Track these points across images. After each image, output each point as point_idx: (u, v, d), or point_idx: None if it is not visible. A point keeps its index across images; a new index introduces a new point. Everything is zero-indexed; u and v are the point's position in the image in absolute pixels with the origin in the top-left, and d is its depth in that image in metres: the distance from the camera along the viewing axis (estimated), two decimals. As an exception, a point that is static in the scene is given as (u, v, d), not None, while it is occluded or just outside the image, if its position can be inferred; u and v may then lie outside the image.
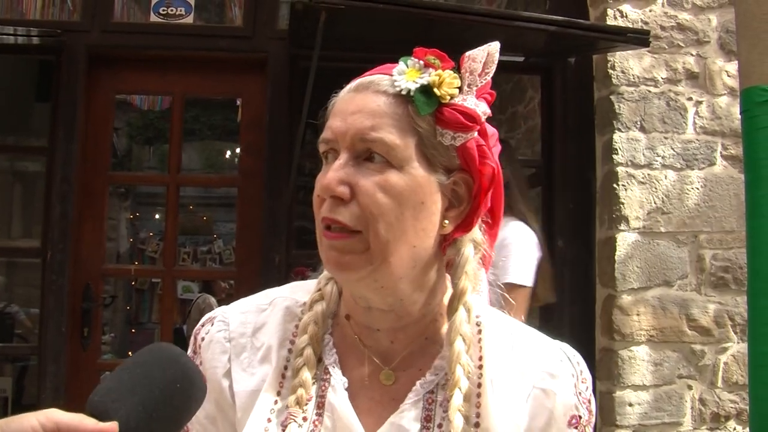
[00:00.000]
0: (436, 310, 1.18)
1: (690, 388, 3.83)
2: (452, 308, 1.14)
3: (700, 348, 3.86)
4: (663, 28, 3.98)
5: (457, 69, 1.12)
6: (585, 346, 3.95)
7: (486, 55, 1.12)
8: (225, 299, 9.32)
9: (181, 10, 4.19)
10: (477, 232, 1.18)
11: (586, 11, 4.13)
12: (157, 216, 13.58)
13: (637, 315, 3.81)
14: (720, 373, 3.86)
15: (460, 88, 1.11)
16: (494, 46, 1.13)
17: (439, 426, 1.10)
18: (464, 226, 1.15)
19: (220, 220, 14.24)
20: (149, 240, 13.03)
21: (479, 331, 1.17)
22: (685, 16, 4.01)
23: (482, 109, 1.11)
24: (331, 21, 3.39)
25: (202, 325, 1.23)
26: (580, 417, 1.16)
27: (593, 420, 1.19)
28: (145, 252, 12.85)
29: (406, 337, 1.17)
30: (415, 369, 1.15)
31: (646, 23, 3.96)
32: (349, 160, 1.08)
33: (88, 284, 4.04)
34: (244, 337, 1.18)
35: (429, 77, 1.09)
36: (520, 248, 3.26)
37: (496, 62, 1.13)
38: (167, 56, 4.19)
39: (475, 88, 1.12)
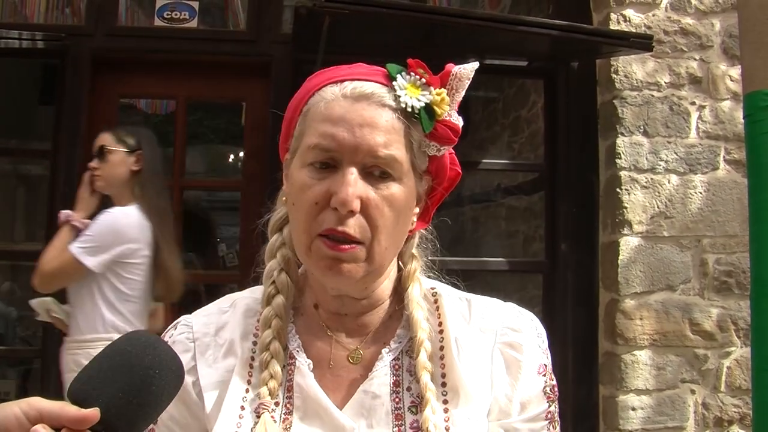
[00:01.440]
0: (394, 288, 1.26)
1: (693, 392, 3.83)
2: (406, 284, 1.22)
3: (703, 352, 3.85)
4: (666, 32, 3.99)
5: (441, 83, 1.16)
6: (588, 350, 3.95)
7: (469, 76, 1.16)
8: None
9: (185, 15, 4.20)
10: None
11: (589, 16, 4.13)
12: (160, 219, 13.57)
13: (640, 319, 3.81)
14: (723, 378, 3.86)
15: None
16: (473, 66, 1.16)
17: (408, 389, 1.16)
18: (424, 219, 1.25)
19: (224, 223, 14.24)
20: (152, 243, 13.02)
21: (436, 300, 1.25)
22: (688, 21, 4.01)
23: (461, 123, 1.16)
24: (335, 25, 3.40)
25: (167, 331, 1.27)
26: (546, 365, 1.23)
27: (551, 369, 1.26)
28: (149, 255, 12.83)
29: (371, 319, 1.23)
30: (379, 344, 1.21)
31: (649, 28, 3.96)
32: (359, 173, 1.10)
33: (91, 287, 4.04)
34: (207, 336, 1.22)
35: (431, 96, 1.12)
36: (98, 226, 3.33)
37: (471, 78, 1.16)
38: (171, 60, 4.20)
39: (456, 104, 1.16)
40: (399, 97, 1.11)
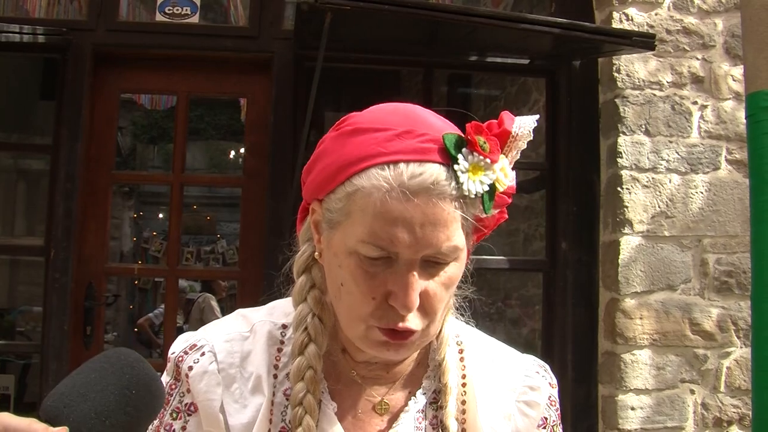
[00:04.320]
0: None
1: (692, 392, 3.83)
2: (442, 343, 1.18)
3: (703, 352, 3.85)
4: (669, 31, 3.98)
5: (502, 141, 1.06)
6: (587, 349, 3.94)
7: (529, 132, 1.07)
8: (225, 299, 9.33)
9: (186, 10, 4.19)
10: None
11: (591, 14, 4.13)
12: (160, 215, 13.64)
13: (640, 319, 3.80)
14: (723, 378, 3.85)
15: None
16: (532, 122, 1.06)
17: None
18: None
19: (224, 220, 14.27)
20: (152, 239, 13.07)
21: (461, 351, 1.21)
22: (690, 20, 4.01)
23: (515, 179, 1.09)
24: (337, 22, 3.39)
25: (185, 353, 1.17)
26: (547, 418, 1.23)
27: (559, 421, 1.26)
28: (149, 251, 12.88)
29: (402, 368, 1.19)
30: (405, 392, 1.18)
31: (651, 27, 3.96)
32: (420, 270, 1.03)
33: (90, 283, 4.04)
34: (233, 367, 1.15)
35: (494, 175, 1.03)
36: None
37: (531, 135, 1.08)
38: (172, 56, 4.20)
39: (513, 162, 1.08)
40: (462, 184, 1.01)
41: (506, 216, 1.14)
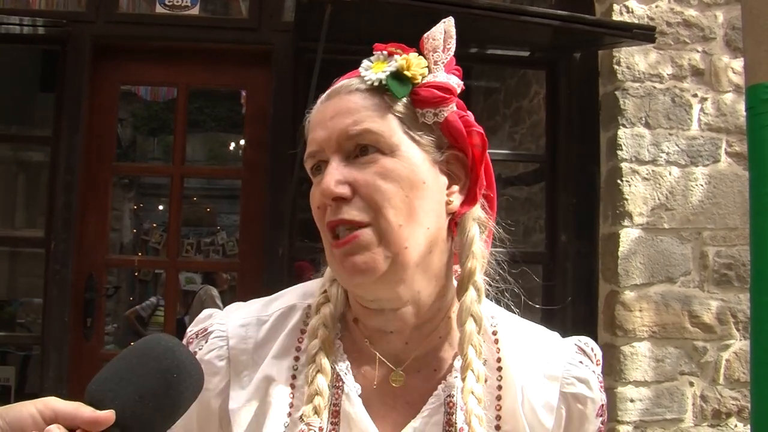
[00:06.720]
0: (448, 307, 1.16)
1: (691, 384, 3.83)
2: (462, 289, 1.12)
3: (702, 345, 3.86)
4: (669, 24, 3.98)
5: (420, 53, 1.14)
6: (587, 341, 3.95)
7: (444, 32, 1.14)
8: (227, 291, 9.34)
9: (186, 2, 4.18)
10: (479, 210, 1.17)
11: (591, 6, 4.12)
12: (160, 207, 13.64)
13: (640, 311, 3.81)
14: (722, 370, 3.86)
15: (428, 68, 1.12)
16: (449, 22, 1.15)
17: (461, 430, 1.07)
18: (469, 200, 1.14)
19: (224, 211, 14.28)
20: (153, 231, 13.08)
21: (495, 332, 1.17)
22: (691, 13, 4.00)
23: (455, 81, 1.13)
24: (337, 14, 3.39)
25: (195, 336, 1.18)
26: (603, 404, 1.18)
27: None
28: (149, 243, 12.89)
29: (421, 336, 1.14)
30: (429, 369, 1.14)
31: (651, 19, 3.95)
32: (341, 161, 1.08)
33: (91, 274, 4.05)
34: (245, 354, 1.14)
35: (396, 63, 1.10)
36: None
37: (455, 36, 1.15)
38: (172, 47, 4.20)
39: (442, 64, 1.13)
40: (365, 77, 1.11)
41: (479, 130, 1.16)
